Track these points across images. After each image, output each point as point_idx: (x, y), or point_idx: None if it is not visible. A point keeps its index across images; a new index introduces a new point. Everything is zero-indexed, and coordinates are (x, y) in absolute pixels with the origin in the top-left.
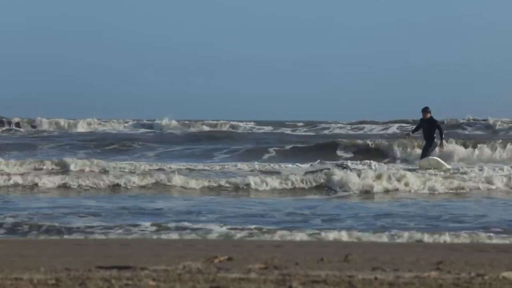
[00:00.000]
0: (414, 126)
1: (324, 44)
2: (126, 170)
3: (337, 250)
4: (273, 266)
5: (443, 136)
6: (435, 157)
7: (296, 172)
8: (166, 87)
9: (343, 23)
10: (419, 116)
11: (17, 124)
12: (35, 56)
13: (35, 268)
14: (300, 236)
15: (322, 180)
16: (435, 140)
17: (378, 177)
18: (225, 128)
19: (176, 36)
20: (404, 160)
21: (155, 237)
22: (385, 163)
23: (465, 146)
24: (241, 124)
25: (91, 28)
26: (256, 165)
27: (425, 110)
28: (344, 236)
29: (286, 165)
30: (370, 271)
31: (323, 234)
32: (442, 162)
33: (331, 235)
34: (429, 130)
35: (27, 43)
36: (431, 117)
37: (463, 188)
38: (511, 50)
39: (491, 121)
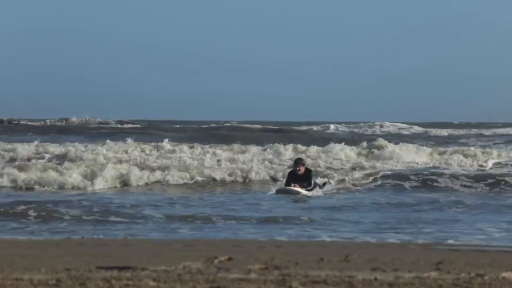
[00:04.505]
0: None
1: (324, 44)
2: None
3: (337, 250)
4: (273, 266)
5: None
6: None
7: None
8: (167, 87)
9: (343, 23)
10: (419, 117)
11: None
12: (35, 56)
13: (35, 268)
14: None
15: None
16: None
17: None
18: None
19: (176, 36)
20: None
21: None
22: None
23: None
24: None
25: (91, 28)
26: None
27: (298, 163)
28: None
29: None
30: (370, 272)
31: None
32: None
33: None
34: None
35: (27, 43)
36: (307, 169)
37: None
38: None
39: None
